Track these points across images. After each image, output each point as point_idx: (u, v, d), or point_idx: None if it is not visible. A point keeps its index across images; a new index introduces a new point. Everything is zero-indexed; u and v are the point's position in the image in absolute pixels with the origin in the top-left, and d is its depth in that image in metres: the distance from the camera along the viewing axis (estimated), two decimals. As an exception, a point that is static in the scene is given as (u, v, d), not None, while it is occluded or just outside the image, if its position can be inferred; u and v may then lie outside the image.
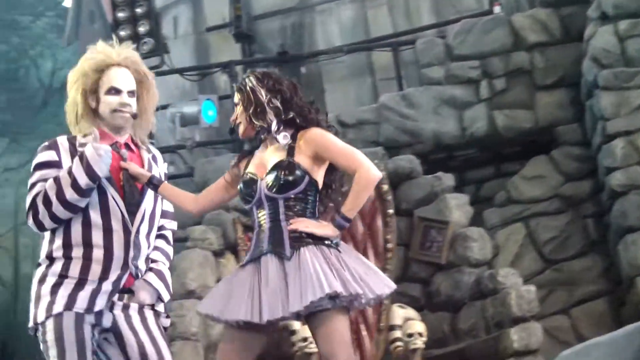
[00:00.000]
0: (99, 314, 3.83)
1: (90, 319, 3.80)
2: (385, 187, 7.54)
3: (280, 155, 4.09)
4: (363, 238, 7.47)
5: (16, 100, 12.96)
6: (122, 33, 9.75)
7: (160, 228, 4.17)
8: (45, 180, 3.97)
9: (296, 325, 7.05)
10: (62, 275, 3.84)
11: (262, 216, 4.12)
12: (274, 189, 4.04)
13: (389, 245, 7.47)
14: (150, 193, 4.05)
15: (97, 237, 3.88)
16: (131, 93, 4.11)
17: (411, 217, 7.92)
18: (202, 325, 7.07)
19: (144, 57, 9.56)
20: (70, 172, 3.85)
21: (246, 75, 4.25)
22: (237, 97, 4.22)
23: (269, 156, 4.14)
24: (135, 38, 9.71)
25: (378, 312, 7.29)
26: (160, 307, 4.04)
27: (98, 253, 3.85)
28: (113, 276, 3.85)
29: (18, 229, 12.21)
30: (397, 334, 7.15)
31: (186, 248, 7.43)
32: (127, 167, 4.03)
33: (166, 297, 4.03)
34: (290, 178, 4.02)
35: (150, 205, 4.04)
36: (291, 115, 4.14)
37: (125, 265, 3.88)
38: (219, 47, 11.52)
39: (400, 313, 7.26)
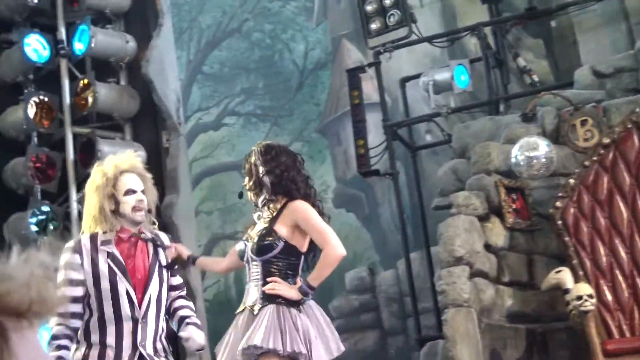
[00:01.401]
0: None
1: None
2: (654, 133, 7.24)
3: (266, 223, 4.99)
4: (631, 190, 7.22)
5: (273, 85, 13.34)
6: (369, 8, 9.83)
7: (176, 298, 5.06)
8: (69, 281, 4.80)
9: (569, 283, 6.93)
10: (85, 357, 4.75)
11: (249, 274, 5.03)
12: (254, 252, 4.96)
13: (660, 195, 7.19)
14: (155, 279, 4.86)
15: (110, 326, 4.74)
16: (142, 192, 4.92)
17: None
18: (473, 291, 7.06)
19: (392, 29, 9.73)
20: None
21: (254, 146, 5.20)
22: (245, 167, 5.16)
23: (260, 223, 5.05)
24: (382, 11, 9.78)
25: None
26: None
27: (111, 340, 4.72)
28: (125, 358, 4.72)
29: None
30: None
31: (450, 215, 7.42)
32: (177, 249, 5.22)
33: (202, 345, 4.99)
34: (266, 243, 4.93)
35: (155, 290, 4.85)
36: (281, 190, 5.02)
37: (134, 348, 4.72)
38: (465, 11, 11.41)
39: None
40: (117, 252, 4.84)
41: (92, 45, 8.22)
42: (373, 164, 9.56)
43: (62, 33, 8.38)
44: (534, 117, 8.01)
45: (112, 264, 4.82)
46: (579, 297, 6.75)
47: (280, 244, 4.97)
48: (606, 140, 7.34)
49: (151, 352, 4.77)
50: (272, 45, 13.50)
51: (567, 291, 6.90)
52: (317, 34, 13.09)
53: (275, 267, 4.99)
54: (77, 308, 4.80)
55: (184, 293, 5.09)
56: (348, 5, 12.44)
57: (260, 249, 4.96)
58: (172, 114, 8.50)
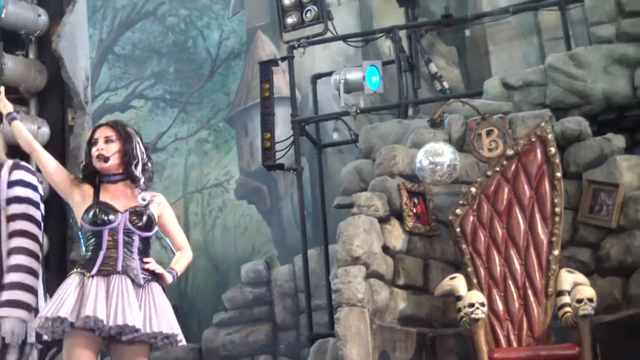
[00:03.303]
0: None
1: None
2: (553, 150, 7.37)
3: None
4: (530, 202, 7.34)
5: (185, 72, 13.24)
6: (286, 2, 9.83)
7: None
8: None
9: (462, 290, 7.01)
10: None
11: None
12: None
13: (557, 209, 7.31)
14: None
15: None
16: None
17: (580, 180, 7.72)
18: (368, 291, 7.09)
19: (308, 25, 9.73)
20: None
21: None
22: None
23: None
24: (299, 6, 9.78)
25: (546, 277, 7.17)
26: None
27: None
28: None
29: (187, 198, 12.51)
30: (566, 299, 6.99)
31: (351, 214, 7.44)
32: None
33: None
34: None
35: None
36: None
37: None
38: (382, 12, 11.48)
39: (569, 278, 7.09)
40: None
41: (2, 15, 8.02)
42: (278, 157, 9.56)
43: (-29, 0, 8.17)
44: (442, 124, 8.08)
45: None
46: (471, 305, 6.82)
47: None
48: (510, 152, 7.44)
49: None
50: (186, 31, 13.40)
51: (459, 298, 6.98)
52: (233, 23, 13.03)
53: None
54: None
55: (18, 226, 4.71)
56: (266, -3, 12.42)
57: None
58: (80, 92, 8.35)
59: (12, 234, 4.63)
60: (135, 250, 4.65)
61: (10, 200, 4.63)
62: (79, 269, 4.61)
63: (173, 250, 5.02)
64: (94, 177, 4.81)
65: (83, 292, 4.48)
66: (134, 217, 4.68)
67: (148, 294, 4.61)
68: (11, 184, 4.61)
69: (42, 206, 4.81)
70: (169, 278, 4.73)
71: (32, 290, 4.63)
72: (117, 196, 4.74)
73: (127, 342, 4.56)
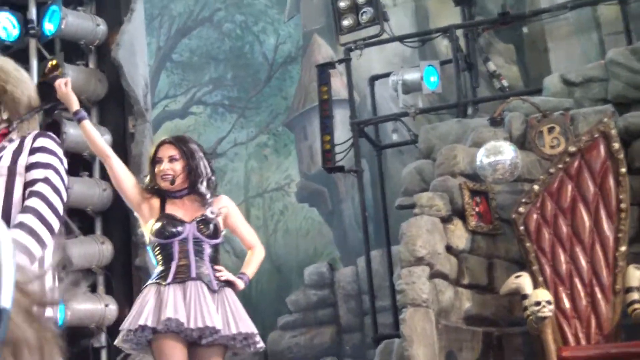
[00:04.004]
0: None
1: None
2: (617, 145, 7.29)
3: None
4: (595, 199, 7.26)
5: (242, 77, 13.31)
6: (342, 4, 9.84)
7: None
8: None
9: (528, 289, 6.97)
10: None
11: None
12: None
13: (623, 205, 7.23)
14: None
15: None
16: None
17: (645, 176, 7.64)
18: (432, 291, 7.07)
19: (364, 27, 9.73)
20: None
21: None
22: None
23: None
24: (355, 8, 9.79)
25: (613, 274, 7.09)
26: None
27: None
28: None
29: (249, 202, 12.57)
30: (635, 296, 6.91)
31: (413, 215, 7.43)
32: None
33: None
34: None
35: None
36: None
37: None
38: (438, 12, 11.44)
39: (637, 274, 7.01)
40: None
41: (63, 26, 8.14)
42: (338, 160, 9.57)
43: (33, 12, 8.29)
44: (502, 122, 8.04)
45: None
46: (537, 303, 6.78)
47: None
48: (572, 149, 7.37)
49: None
50: (242, 37, 13.47)
51: (525, 296, 6.93)
52: (289, 27, 13.07)
53: None
54: None
55: (36, 188, 4.12)
56: (321, 1, 12.44)
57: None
58: (140, 99, 8.44)
59: (29, 195, 4.11)
60: (206, 258, 4.73)
61: (30, 167, 4.19)
62: (154, 280, 4.67)
63: (237, 254, 5.09)
64: (160, 192, 4.86)
65: (161, 299, 4.54)
66: (202, 227, 4.74)
67: (223, 298, 4.69)
68: (33, 151, 4.21)
69: (66, 180, 4.29)
70: (240, 285, 4.80)
71: (28, 253, 3.91)
72: (183, 208, 4.80)
73: (206, 345, 4.61)
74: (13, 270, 1.00)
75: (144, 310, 4.53)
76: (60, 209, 4.14)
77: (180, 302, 4.53)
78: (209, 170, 4.90)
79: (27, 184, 4.15)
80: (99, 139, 4.83)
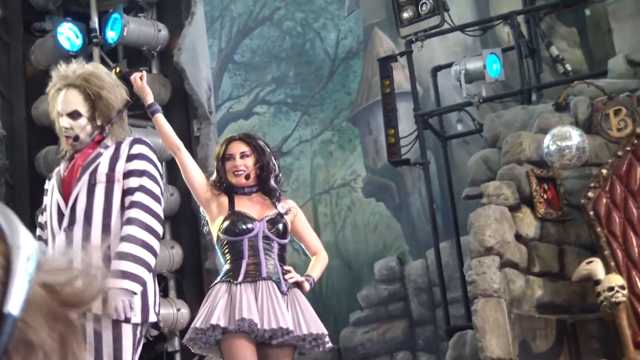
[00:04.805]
0: None
1: None
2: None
3: None
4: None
5: (304, 74, 13.34)
6: (401, -4, 9.81)
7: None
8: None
9: (600, 274, 6.89)
10: None
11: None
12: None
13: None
14: (82, 181, 4.38)
15: (51, 241, 4.43)
16: (72, 115, 4.41)
17: None
18: (503, 281, 7.03)
19: (424, 18, 9.70)
20: None
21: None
22: None
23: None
24: (414, 0, 9.75)
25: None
26: None
27: None
28: None
29: (316, 199, 12.60)
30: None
31: (481, 205, 7.39)
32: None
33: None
34: None
35: (83, 195, 4.35)
36: None
37: None
38: (498, -1, 11.36)
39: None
40: (62, 168, 4.50)
41: (125, 33, 8.24)
42: (403, 153, 9.53)
43: (95, 22, 8.40)
44: (567, 107, 7.95)
45: (54, 181, 4.49)
46: (610, 288, 6.70)
47: None
48: (640, 130, 7.28)
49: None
50: (303, 34, 13.50)
51: (598, 282, 6.85)
52: (349, 22, 13.07)
53: None
54: (40, 234, 4.54)
55: (135, 198, 4.34)
56: (382, -7, 12.41)
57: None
58: (204, 102, 8.51)
59: (129, 206, 4.32)
60: (275, 257, 4.72)
61: (128, 174, 4.38)
62: (224, 278, 4.67)
63: (306, 253, 5.09)
64: (227, 189, 4.88)
65: (232, 298, 4.55)
66: (271, 225, 4.75)
67: (293, 298, 4.69)
68: (130, 157, 4.41)
69: (162, 184, 4.55)
70: (307, 286, 4.80)
71: (144, 264, 4.24)
72: (252, 205, 4.81)
73: (276, 346, 4.62)
74: (27, 276, 1.03)
75: (216, 310, 4.54)
76: (161, 213, 4.38)
77: (253, 302, 4.54)
78: (276, 167, 4.92)
79: (126, 192, 4.35)
80: (171, 132, 4.81)
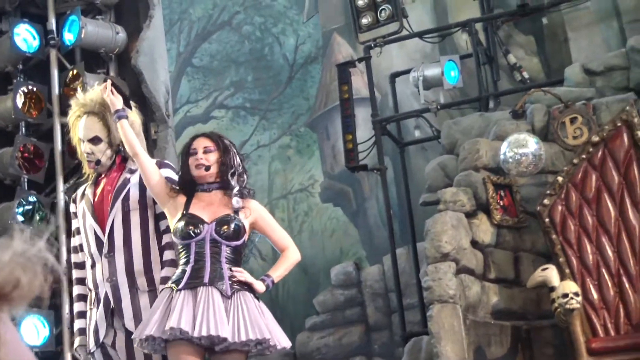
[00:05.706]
0: None
1: None
2: (640, 134, 7.25)
3: None
4: (619, 188, 7.23)
5: (263, 79, 13.31)
6: (360, 2, 9.82)
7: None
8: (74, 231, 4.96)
9: (555, 281, 6.94)
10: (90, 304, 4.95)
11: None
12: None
13: (648, 194, 7.20)
14: (116, 208, 4.82)
15: (91, 268, 4.83)
16: (94, 140, 4.82)
17: (670, 164, 7.58)
18: (459, 287, 7.06)
19: (383, 24, 9.72)
20: None
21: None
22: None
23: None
24: (373, 6, 9.77)
25: (640, 263, 7.07)
26: None
27: (89, 283, 4.89)
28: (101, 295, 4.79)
29: (273, 204, 12.57)
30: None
31: (438, 211, 7.42)
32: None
33: None
34: None
35: (119, 220, 4.80)
36: None
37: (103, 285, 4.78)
38: (456, 6, 11.41)
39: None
40: (89, 192, 4.82)
41: (82, 36, 8.18)
42: (361, 158, 9.55)
43: (52, 23, 8.34)
44: (524, 114, 8.01)
45: (84, 205, 4.80)
46: (565, 295, 6.75)
47: None
48: (595, 139, 7.34)
49: (125, 285, 4.69)
50: (262, 39, 13.47)
51: (553, 289, 6.90)
52: (308, 27, 13.07)
53: None
54: (76, 258, 4.82)
55: (169, 240, 4.85)
56: (339, 0, 12.43)
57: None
58: (161, 106, 8.46)
59: (166, 230, 4.80)
60: (223, 260, 4.64)
61: None
62: (169, 284, 4.64)
63: (264, 257, 5.06)
64: (188, 186, 4.84)
65: (170, 306, 4.51)
66: (220, 227, 4.68)
67: (238, 303, 4.57)
68: None
69: None
70: (259, 287, 4.69)
71: None
72: (208, 205, 4.74)
73: (220, 352, 4.57)
74: None
75: (152, 320, 4.50)
76: None
77: (188, 310, 4.46)
78: (240, 167, 4.89)
79: (158, 216, 4.81)
80: (133, 138, 4.82)
